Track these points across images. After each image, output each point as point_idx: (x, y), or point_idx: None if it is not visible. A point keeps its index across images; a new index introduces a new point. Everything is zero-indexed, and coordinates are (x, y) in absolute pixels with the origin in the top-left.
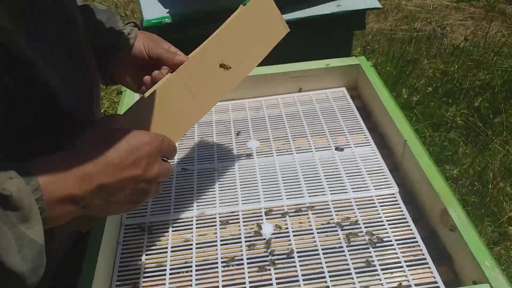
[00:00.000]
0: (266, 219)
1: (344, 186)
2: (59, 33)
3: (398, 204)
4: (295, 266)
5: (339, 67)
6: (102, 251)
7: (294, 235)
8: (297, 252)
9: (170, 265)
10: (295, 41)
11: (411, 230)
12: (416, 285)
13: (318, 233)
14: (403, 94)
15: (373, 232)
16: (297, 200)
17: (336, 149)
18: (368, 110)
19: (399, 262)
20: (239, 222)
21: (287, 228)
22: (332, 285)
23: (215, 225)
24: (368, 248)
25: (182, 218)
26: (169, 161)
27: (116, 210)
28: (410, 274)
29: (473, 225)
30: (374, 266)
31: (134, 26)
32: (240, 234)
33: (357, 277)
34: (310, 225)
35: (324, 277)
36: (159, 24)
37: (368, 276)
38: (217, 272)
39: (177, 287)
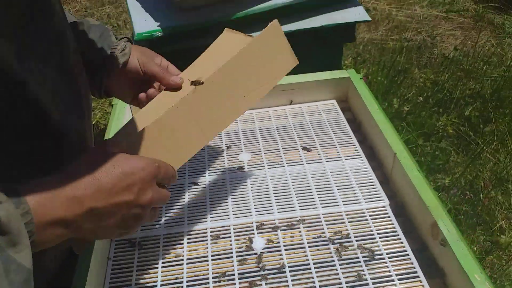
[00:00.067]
0: (258, 233)
1: (335, 199)
2: (49, 50)
3: (389, 217)
4: (287, 281)
5: (329, 80)
6: (93, 267)
7: (285, 250)
8: (289, 267)
9: (161, 281)
10: None
11: (402, 243)
12: None
13: (309, 247)
14: (394, 104)
15: (365, 245)
16: (289, 213)
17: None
18: (358, 122)
19: (391, 276)
20: (230, 237)
21: (278, 242)
22: None
23: (206, 240)
24: (359, 262)
25: (173, 233)
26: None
27: (107, 234)
28: None
29: (463, 238)
30: (366, 280)
31: (127, 41)
32: (231, 248)
33: None
34: (302, 239)
35: None
36: (150, 38)
37: None
38: (208, 287)
39: None
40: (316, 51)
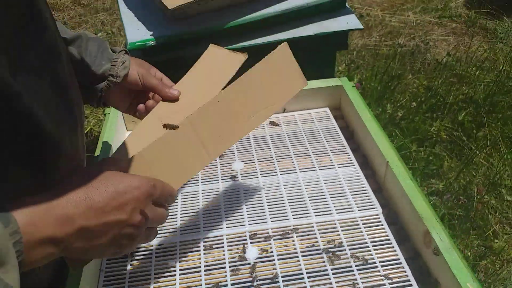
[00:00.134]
0: (251, 243)
1: (328, 207)
2: (42, 62)
3: (382, 225)
4: None
5: (322, 88)
6: (84, 279)
7: (279, 259)
8: (282, 277)
9: None
10: None
11: (395, 251)
12: None
13: (303, 256)
14: (388, 109)
15: (358, 254)
16: (282, 222)
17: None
18: (351, 130)
19: (384, 285)
20: (223, 247)
21: (272, 252)
22: None
23: (199, 250)
24: (352, 270)
25: (165, 244)
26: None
27: (99, 253)
28: None
29: (455, 246)
30: None
31: (125, 53)
32: (224, 259)
33: None
34: (295, 248)
35: None
36: (143, 47)
37: None
38: None
39: None
40: (309, 59)
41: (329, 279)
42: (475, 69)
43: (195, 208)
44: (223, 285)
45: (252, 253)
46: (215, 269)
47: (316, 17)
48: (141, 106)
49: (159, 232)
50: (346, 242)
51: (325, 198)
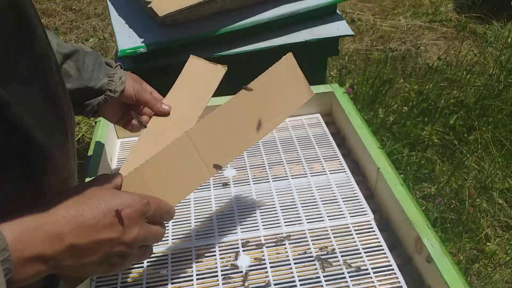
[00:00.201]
0: (243, 250)
1: (320, 214)
2: (32, 71)
3: (374, 231)
4: None
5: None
6: None
7: (271, 267)
8: (274, 284)
9: None
10: None
11: (387, 258)
12: None
13: (295, 263)
14: (380, 114)
15: (350, 260)
16: (274, 230)
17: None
18: (343, 136)
19: None
20: (215, 255)
21: (264, 259)
22: None
23: (191, 259)
24: (344, 278)
25: (157, 253)
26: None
27: (90, 271)
28: None
29: (447, 252)
30: None
31: (120, 67)
32: (216, 267)
33: None
34: (287, 256)
35: None
36: (134, 54)
37: None
38: None
39: None
40: (300, 65)
41: (322, 286)
42: (466, 73)
43: (186, 216)
44: None
45: (244, 261)
46: (207, 277)
47: (307, 24)
48: (135, 121)
49: None
50: (338, 249)
51: (317, 205)
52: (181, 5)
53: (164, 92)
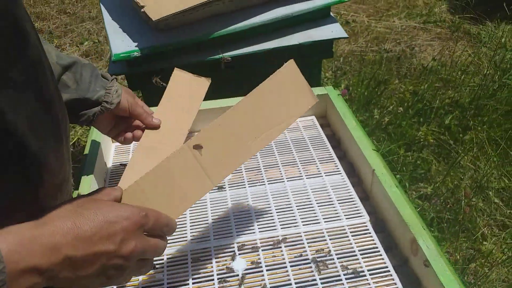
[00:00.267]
0: (239, 254)
1: (316, 216)
2: (26, 78)
3: (370, 233)
4: None
5: None
6: None
7: (267, 270)
8: None
9: None
10: (266, 71)
11: (383, 259)
12: None
13: (291, 266)
14: (375, 114)
15: (346, 262)
16: (270, 233)
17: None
18: (338, 138)
19: None
20: (211, 259)
21: (260, 263)
22: None
23: (187, 263)
24: (341, 280)
25: None
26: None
27: (86, 284)
28: None
29: (442, 253)
30: None
31: (115, 80)
32: (212, 271)
33: None
34: (283, 259)
35: None
36: (128, 58)
37: None
38: None
39: None
40: None
41: None
42: (460, 73)
43: (182, 220)
44: None
45: (240, 264)
46: (203, 281)
47: (301, 27)
48: (129, 134)
49: None
50: (334, 251)
51: (312, 207)
52: (175, 9)
53: (157, 95)
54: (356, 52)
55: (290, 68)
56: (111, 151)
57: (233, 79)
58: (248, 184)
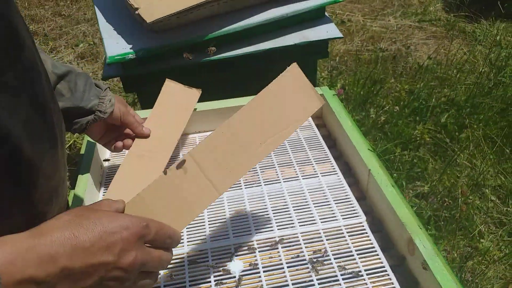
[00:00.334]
0: (236, 255)
1: (313, 217)
2: (20, 82)
3: (366, 233)
4: None
5: None
6: None
7: (264, 271)
8: None
9: None
10: (261, 72)
11: (380, 259)
12: None
13: (288, 267)
14: (371, 114)
15: (343, 263)
16: (267, 234)
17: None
18: (334, 139)
19: None
20: (208, 261)
21: (257, 264)
22: None
23: (184, 265)
24: (338, 280)
25: None
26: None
27: None
28: None
29: (439, 253)
30: None
31: (109, 89)
32: (209, 273)
33: None
34: (280, 260)
35: None
36: (123, 60)
37: None
38: None
39: None
40: None
41: None
42: (456, 72)
43: None
44: None
45: (237, 266)
46: (200, 283)
47: (296, 27)
48: (119, 144)
49: None
50: (331, 251)
51: (309, 208)
52: (169, 11)
53: (152, 97)
54: (352, 51)
55: (293, 71)
56: (107, 151)
57: (229, 80)
58: (245, 185)
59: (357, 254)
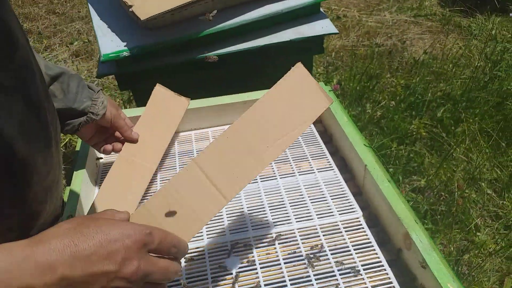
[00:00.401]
0: (233, 252)
1: (309, 212)
2: (14, 82)
3: (363, 228)
4: None
5: None
6: None
7: (261, 267)
8: (265, 285)
9: None
10: (257, 68)
11: (376, 254)
12: None
13: (285, 263)
14: (368, 109)
15: (340, 258)
16: (264, 230)
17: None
18: (330, 134)
19: None
20: (204, 258)
21: (254, 260)
22: None
23: (180, 263)
24: (335, 275)
25: None
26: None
27: None
28: None
29: (436, 247)
30: None
31: (101, 91)
32: (206, 270)
33: None
34: (277, 256)
35: None
36: (117, 58)
37: None
38: None
39: None
40: (286, 65)
41: (312, 285)
42: (452, 66)
43: None
44: None
45: (234, 262)
46: (197, 280)
47: (291, 23)
48: (108, 147)
49: None
50: (328, 247)
51: (305, 204)
52: (163, 8)
53: (147, 94)
54: (348, 47)
55: (298, 71)
56: None
57: (224, 77)
58: None
59: (354, 250)
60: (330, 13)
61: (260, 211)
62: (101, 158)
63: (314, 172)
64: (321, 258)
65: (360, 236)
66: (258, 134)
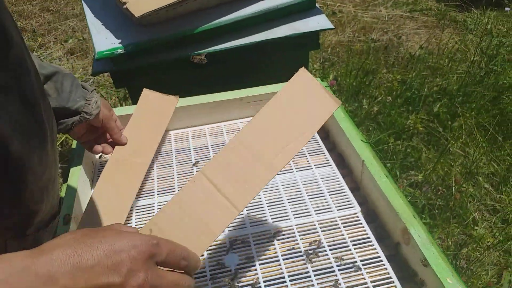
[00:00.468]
0: (231, 249)
1: (307, 208)
2: (8, 80)
3: (361, 223)
4: None
5: None
6: None
7: (260, 264)
8: (264, 282)
9: None
10: (252, 65)
11: (375, 249)
12: None
13: (284, 259)
14: (364, 104)
15: (339, 254)
16: (262, 227)
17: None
18: (327, 130)
19: (366, 284)
20: (203, 255)
21: (252, 257)
22: None
23: None
24: (334, 271)
25: None
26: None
27: None
28: None
29: (434, 242)
30: None
31: (95, 91)
32: (205, 267)
33: None
34: (276, 252)
35: None
36: (112, 55)
37: None
38: None
39: None
40: (282, 61)
41: (311, 281)
42: (448, 61)
43: None
44: None
45: (233, 259)
46: (196, 277)
47: (287, 19)
48: (98, 148)
49: None
50: (326, 242)
51: (303, 200)
52: (158, 5)
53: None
54: (344, 42)
55: (302, 76)
56: None
57: (220, 73)
58: None
59: (352, 245)
60: (326, 9)
61: (259, 208)
62: (107, 156)
63: (312, 168)
64: (319, 254)
65: (359, 231)
66: (266, 141)
